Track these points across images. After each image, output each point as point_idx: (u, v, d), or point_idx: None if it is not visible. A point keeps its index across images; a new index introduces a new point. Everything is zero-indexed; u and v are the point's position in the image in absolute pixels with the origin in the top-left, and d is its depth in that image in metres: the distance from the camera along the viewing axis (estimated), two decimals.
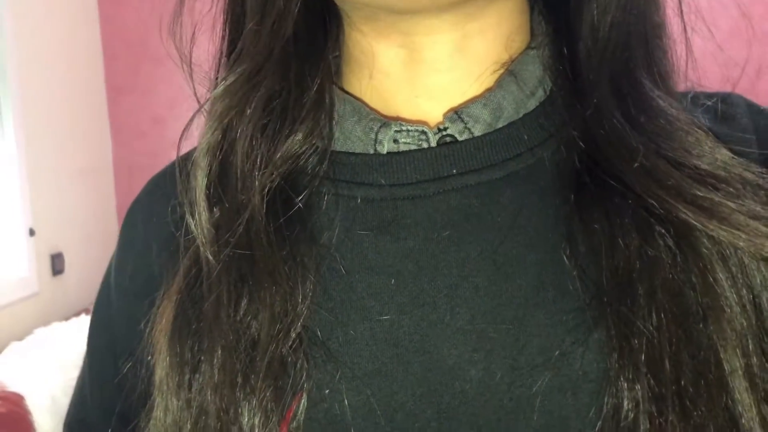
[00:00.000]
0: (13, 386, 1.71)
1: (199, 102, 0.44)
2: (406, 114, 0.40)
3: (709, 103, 0.40)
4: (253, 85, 0.39)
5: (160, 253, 0.42)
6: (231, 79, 0.39)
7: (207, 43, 0.44)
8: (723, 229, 0.34)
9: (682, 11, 0.41)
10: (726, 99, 0.41)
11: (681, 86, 0.41)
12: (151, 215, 0.45)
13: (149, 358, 0.39)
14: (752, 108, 0.41)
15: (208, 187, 0.39)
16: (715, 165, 0.36)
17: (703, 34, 0.41)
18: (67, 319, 2.21)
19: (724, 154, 0.36)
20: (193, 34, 0.43)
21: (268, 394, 0.35)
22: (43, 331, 2.05)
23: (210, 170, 0.39)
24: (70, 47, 2.54)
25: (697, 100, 0.41)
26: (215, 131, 0.40)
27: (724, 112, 0.40)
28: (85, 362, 0.49)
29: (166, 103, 2.67)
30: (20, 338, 2.01)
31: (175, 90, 2.64)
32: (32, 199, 2.23)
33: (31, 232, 2.23)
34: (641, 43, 0.39)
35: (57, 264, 2.38)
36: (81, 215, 2.55)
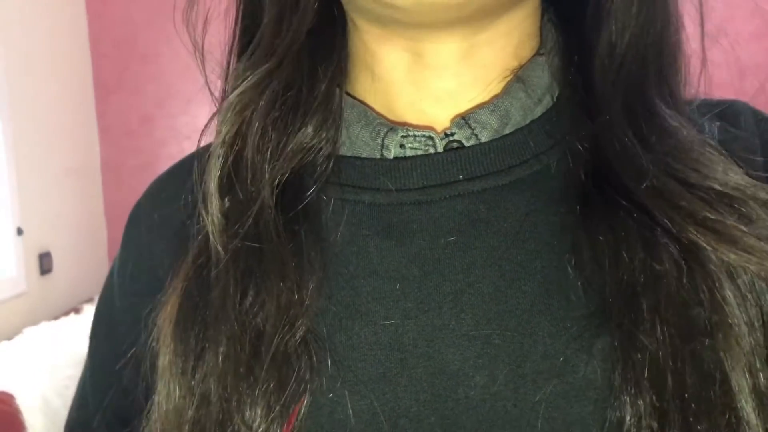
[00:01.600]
0: (3, 386, 1.71)
1: (210, 91, 0.43)
2: (410, 118, 0.40)
3: (715, 111, 0.40)
4: (269, 81, 0.39)
5: (164, 254, 0.42)
6: (257, 74, 0.39)
7: (218, 31, 0.44)
8: (733, 252, 0.33)
9: (703, 27, 0.41)
10: (731, 107, 0.41)
11: (688, 94, 0.41)
12: (155, 217, 0.45)
13: (153, 344, 0.39)
14: (757, 116, 0.41)
15: (221, 178, 0.39)
16: (727, 186, 0.35)
17: (722, 48, 0.42)
18: (56, 318, 2.20)
19: (736, 174, 0.36)
20: (206, 21, 0.43)
21: (271, 385, 0.35)
22: (32, 330, 2.04)
23: (225, 162, 0.39)
24: (58, 45, 2.52)
25: (702, 108, 0.40)
26: (233, 124, 0.39)
27: (729, 120, 0.40)
28: (86, 365, 0.48)
29: (155, 101, 2.66)
30: (9, 338, 2.00)
31: (163, 88, 2.63)
32: (20, 198, 2.22)
33: (19, 231, 2.22)
34: (656, 62, 0.39)
35: (45, 263, 2.37)
36: (69, 214, 2.53)
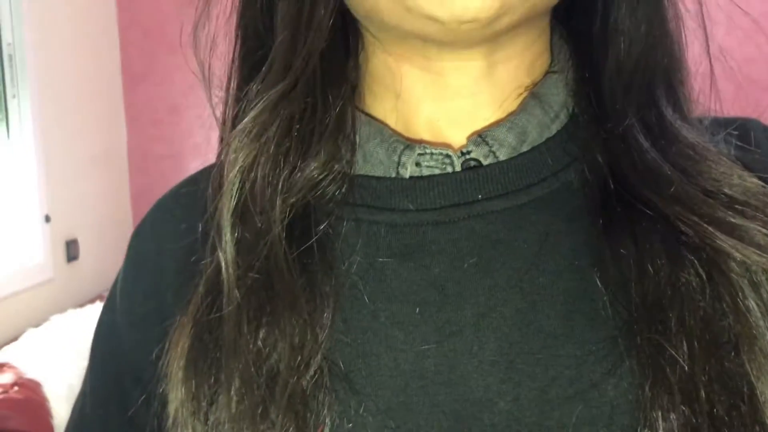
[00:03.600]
0: (30, 373, 1.72)
1: (215, 116, 0.42)
2: (427, 137, 0.39)
3: (728, 129, 0.40)
4: (282, 106, 0.38)
5: (173, 278, 0.41)
6: (272, 96, 0.38)
7: (225, 52, 0.43)
8: (757, 255, 0.33)
9: (708, 45, 0.41)
10: (744, 125, 0.41)
11: (697, 111, 0.41)
12: (161, 239, 0.43)
13: (162, 389, 0.38)
14: None
15: (235, 210, 0.38)
16: (747, 193, 0.35)
17: (722, 62, 0.42)
18: (81, 305, 2.22)
19: (753, 182, 0.36)
20: (212, 41, 0.42)
21: (290, 428, 0.34)
22: (59, 317, 2.06)
23: (241, 192, 0.38)
24: (86, 34, 2.54)
25: (713, 126, 0.40)
26: (251, 151, 0.38)
27: (741, 138, 0.39)
28: (85, 387, 0.46)
29: (182, 91, 2.66)
30: (36, 325, 2.02)
31: (191, 78, 2.58)
32: (48, 186, 2.24)
33: (47, 219, 2.24)
34: (665, 74, 0.39)
35: (72, 250, 2.39)
36: (96, 202, 2.55)
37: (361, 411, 0.35)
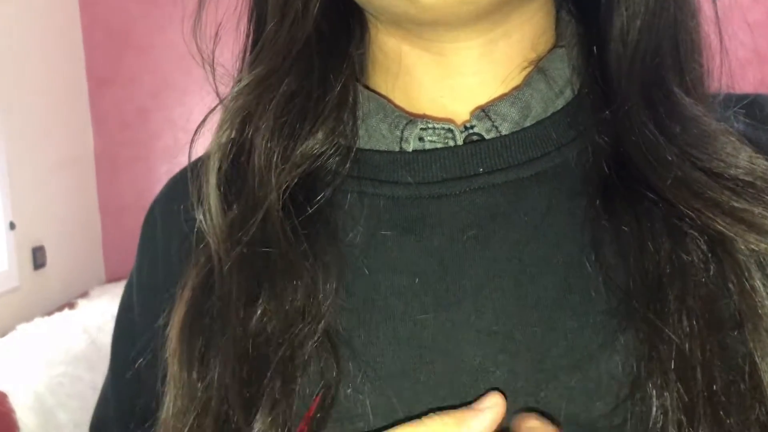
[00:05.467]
0: None
1: (221, 100, 0.43)
2: (431, 112, 0.39)
3: (740, 106, 0.39)
4: (268, 85, 0.39)
5: (178, 249, 0.43)
6: (246, 80, 0.39)
7: (231, 43, 0.44)
8: (763, 241, 0.33)
9: (718, 17, 0.40)
10: (757, 101, 0.40)
11: (712, 87, 0.40)
12: (168, 214, 0.45)
13: (165, 353, 0.39)
14: None
15: (218, 186, 0.39)
16: (754, 174, 0.34)
17: (741, 39, 0.41)
18: (49, 314, 2.17)
19: (761, 163, 0.35)
20: (217, 33, 0.43)
21: (278, 395, 0.35)
22: (26, 326, 2.01)
23: (220, 168, 0.39)
24: (50, 37, 2.48)
25: (728, 102, 0.39)
26: (226, 130, 0.39)
27: (756, 115, 0.39)
28: (109, 365, 0.49)
29: (150, 93, 2.62)
30: (2, 334, 1.97)
31: (158, 80, 2.60)
32: (12, 192, 2.19)
33: (11, 226, 2.19)
34: (673, 49, 0.38)
35: (38, 257, 2.33)
36: (63, 207, 2.50)
37: (360, 378, 0.35)
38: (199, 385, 0.37)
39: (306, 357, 0.35)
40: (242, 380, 0.35)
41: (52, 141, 2.45)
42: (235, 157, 0.39)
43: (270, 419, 0.35)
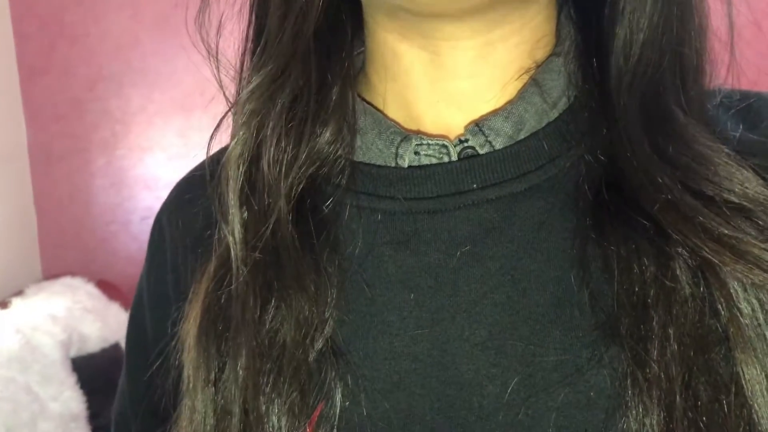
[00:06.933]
0: None
1: (225, 96, 0.43)
2: (427, 120, 0.39)
3: (737, 107, 0.39)
4: (278, 86, 0.39)
5: (187, 256, 0.43)
6: (257, 80, 0.39)
7: (230, 35, 0.43)
8: (749, 271, 0.33)
9: (732, 27, 0.40)
10: (756, 101, 0.40)
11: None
12: (178, 220, 0.45)
13: (178, 356, 0.40)
14: None
15: (241, 190, 0.39)
16: (745, 198, 0.34)
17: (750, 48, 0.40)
18: None
19: (754, 185, 0.35)
20: (220, 24, 0.43)
21: (295, 397, 0.36)
22: None
23: (241, 173, 0.39)
24: None
25: (725, 102, 0.40)
26: (244, 134, 0.39)
27: (753, 118, 0.39)
28: (124, 364, 0.51)
29: (85, 84, 2.53)
30: None
31: (94, 70, 2.52)
32: None
33: None
34: (674, 66, 0.37)
35: None
36: None
37: (358, 390, 0.37)
38: (218, 389, 0.38)
39: (313, 367, 0.36)
40: (260, 386, 0.36)
41: None
42: (252, 161, 0.39)
43: (289, 424, 0.36)
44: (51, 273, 2.53)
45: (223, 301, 0.39)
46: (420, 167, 0.38)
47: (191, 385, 0.39)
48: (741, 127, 0.38)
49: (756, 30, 0.41)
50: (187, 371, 0.39)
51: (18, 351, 1.80)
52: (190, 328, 0.40)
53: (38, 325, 1.93)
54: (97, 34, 2.48)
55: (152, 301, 0.46)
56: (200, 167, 0.47)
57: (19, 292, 2.35)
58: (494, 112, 0.39)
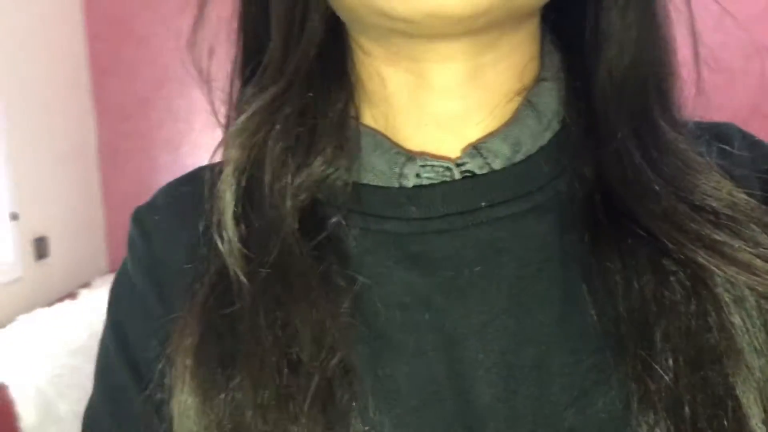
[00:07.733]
0: None
1: (217, 118, 0.42)
2: (413, 144, 0.39)
3: (706, 135, 0.40)
4: (281, 103, 0.38)
5: (175, 275, 0.41)
6: (265, 98, 0.38)
7: (224, 58, 0.43)
8: (742, 275, 0.33)
9: (697, 51, 0.41)
10: (722, 130, 0.41)
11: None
12: (166, 231, 0.43)
13: (167, 380, 0.38)
14: (747, 139, 0.42)
15: (236, 206, 0.38)
16: (734, 208, 0.35)
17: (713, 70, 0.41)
18: (50, 305, 2.17)
19: (742, 197, 0.36)
20: (211, 46, 0.43)
21: (317, 416, 0.35)
22: (27, 317, 2.01)
23: (238, 188, 0.38)
24: (52, 28, 2.47)
25: (696, 131, 0.40)
26: (244, 149, 0.38)
27: (720, 144, 0.40)
28: (96, 367, 0.47)
29: (152, 84, 2.61)
30: (2, 325, 1.96)
31: (160, 71, 2.59)
32: (15, 183, 2.18)
33: (14, 216, 2.18)
34: (656, 82, 0.39)
35: (41, 248, 2.33)
36: (66, 198, 2.50)
37: (377, 412, 0.35)
38: (224, 412, 0.36)
39: (334, 385, 0.35)
40: (279, 405, 0.35)
41: (54, 132, 2.44)
42: (250, 177, 0.39)
43: None
44: (117, 265, 2.61)
45: (225, 320, 0.37)
46: (425, 187, 0.38)
47: (189, 409, 0.36)
48: (716, 150, 0.39)
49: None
50: (180, 396, 0.37)
51: (85, 341, 1.87)
52: (184, 350, 0.37)
53: (104, 316, 2.00)
54: (164, 35, 2.55)
55: (137, 314, 0.43)
56: (183, 182, 0.45)
57: (87, 284, 2.43)
58: (491, 135, 0.38)
